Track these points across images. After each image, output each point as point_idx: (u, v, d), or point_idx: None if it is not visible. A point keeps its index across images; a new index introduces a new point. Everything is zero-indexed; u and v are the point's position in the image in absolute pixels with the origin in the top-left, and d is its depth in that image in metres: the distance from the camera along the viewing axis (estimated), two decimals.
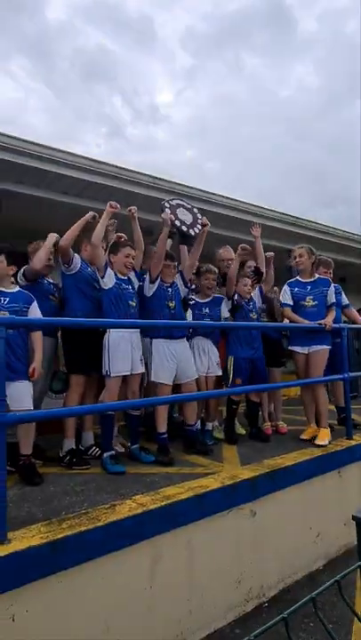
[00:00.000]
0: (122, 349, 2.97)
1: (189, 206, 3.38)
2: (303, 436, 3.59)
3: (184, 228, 3.18)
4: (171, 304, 3.24)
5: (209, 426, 3.68)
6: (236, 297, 3.67)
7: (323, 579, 2.85)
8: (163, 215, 3.14)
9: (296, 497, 2.86)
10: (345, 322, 4.10)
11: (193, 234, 3.21)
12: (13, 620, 1.68)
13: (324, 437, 3.41)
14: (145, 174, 5.06)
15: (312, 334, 3.54)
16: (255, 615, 2.47)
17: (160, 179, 5.19)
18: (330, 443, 3.40)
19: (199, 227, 3.28)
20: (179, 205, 3.28)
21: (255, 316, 3.79)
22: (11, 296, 2.76)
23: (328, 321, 3.47)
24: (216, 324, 3.66)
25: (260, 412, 3.95)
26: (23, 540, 1.80)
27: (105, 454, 2.91)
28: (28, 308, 2.82)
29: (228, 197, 5.96)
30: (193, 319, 3.61)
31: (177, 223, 3.15)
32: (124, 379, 3.04)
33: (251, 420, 3.85)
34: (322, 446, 3.32)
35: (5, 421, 1.87)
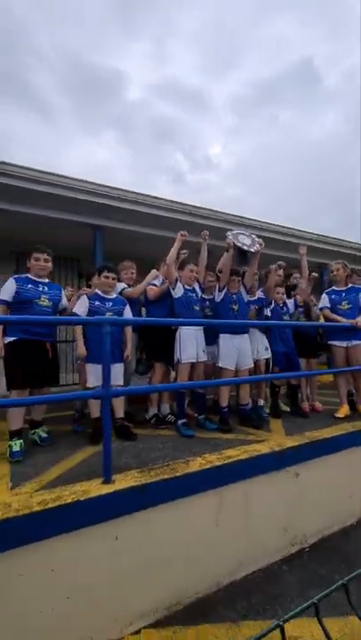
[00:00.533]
0: (189, 342, 2.99)
1: (248, 233, 3.36)
2: (338, 415, 3.37)
3: (245, 248, 3.15)
4: (235, 307, 3.20)
5: (260, 402, 3.54)
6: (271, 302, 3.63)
7: (354, 532, 2.64)
8: (227, 240, 3.10)
9: (333, 463, 2.67)
10: None
11: (253, 250, 3.17)
12: (117, 540, 1.74)
13: (342, 412, 3.38)
14: (205, 208, 5.04)
15: (351, 332, 3.38)
16: (299, 557, 2.34)
17: (216, 211, 5.16)
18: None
19: (257, 246, 3.20)
20: (238, 234, 3.26)
21: (287, 318, 3.70)
22: (113, 301, 2.92)
23: (360, 320, 3.27)
24: (258, 323, 3.54)
25: (299, 394, 3.76)
26: (123, 481, 1.86)
27: (179, 421, 2.93)
28: (124, 309, 2.98)
29: (266, 222, 5.77)
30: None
31: (238, 244, 3.12)
32: (192, 365, 3.05)
33: (291, 400, 3.69)
34: (340, 418, 3.29)
35: (110, 394, 1.95)
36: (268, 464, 2.31)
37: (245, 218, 5.48)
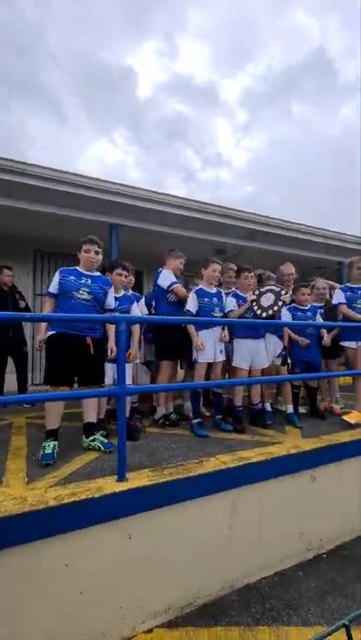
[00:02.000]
0: (207, 342, 2.96)
1: (277, 289, 3.13)
2: (346, 418, 3.16)
3: (258, 312, 3.08)
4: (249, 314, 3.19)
5: (290, 408, 3.36)
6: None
7: None
8: (249, 297, 3.14)
9: (352, 468, 2.59)
10: None
11: (264, 315, 3.06)
12: (130, 538, 1.74)
13: (354, 417, 3.10)
14: (220, 206, 4.99)
15: None
16: (316, 563, 2.28)
17: (230, 208, 5.10)
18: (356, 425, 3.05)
19: (275, 308, 3.05)
20: (266, 291, 3.13)
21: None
22: (120, 300, 2.86)
23: None
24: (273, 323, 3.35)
25: (319, 396, 3.67)
26: (136, 480, 1.85)
27: (193, 421, 2.90)
28: (130, 307, 2.94)
29: (283, 220, 5.66)
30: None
31: (255, 308, 3.10)
32: (209, 365, 3.02)
33: (310, 401, 3.60)
34: (348, 423, 3.04)
35: (126, 392, 1.95)
36: (284, 467, 2.26)
37: (261, 215, 5.39)
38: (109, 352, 2.59)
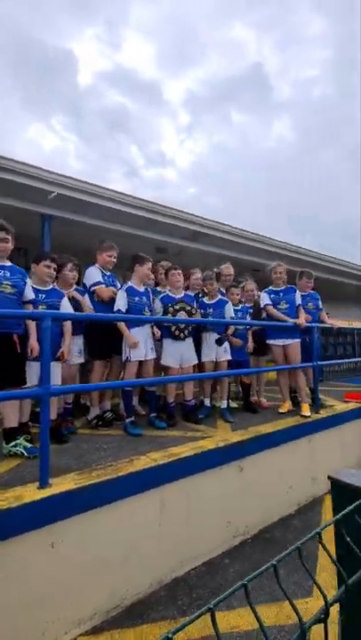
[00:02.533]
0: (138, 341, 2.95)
1: (188, 308, 3.24)
2: (281, 410, 3.51)
3: (177, 333, 3.14)
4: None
5: (224, 403, 3.49)
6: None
7: (293, 522, 2.78)
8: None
9: (274, 457, 2.80)
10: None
11: (182, 335, 3.15)
12: (52, 547, 1.64)
13: (306, 410, 3.35)
14: (163, 205, 5.00)
15: (286, 331, 3.46)
16: (241, 549, 2.41)
17: (172, 208, 5.14)
18: (310, 414, 3.32)
19: (190, 328, 3.20)
20: (180, 309, 3.20)
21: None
22: (46, 293, 2.68)
23: (302, 321, 3.40)
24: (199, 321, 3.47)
25: (252, 391, 3.90)
26: (61, 485, 1.76)
27: (126, 420, 2.86)
28: (60, 302, 2.73)
29: (224, 224, 5.89)
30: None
31: (174, 330, 3.14)
32: (140, 363, 3.01)
33: (244, 396, 3.82)
34: (306, 416, 3.26)
35: (51, 392, 1.84)
36: (213, 460, 2.35)
37: (202, 218, 5.53)
38: (29, 351, 2.40)
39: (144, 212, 4.80)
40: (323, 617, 0.48)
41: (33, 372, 2.46)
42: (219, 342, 3.38)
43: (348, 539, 0.51)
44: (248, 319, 3.79)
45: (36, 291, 2.60)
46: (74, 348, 2.95)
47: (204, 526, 2.25)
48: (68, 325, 2.76)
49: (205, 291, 3.60)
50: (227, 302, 3.55)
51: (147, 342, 3.00)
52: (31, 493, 1.66)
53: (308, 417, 3.26)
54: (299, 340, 3.49)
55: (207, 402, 3.56)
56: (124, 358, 2.94)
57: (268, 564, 0.53)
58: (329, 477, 0.64)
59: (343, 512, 0.52)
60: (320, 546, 0.76)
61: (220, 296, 3.57)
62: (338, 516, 0.52)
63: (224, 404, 3.41)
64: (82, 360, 3.12)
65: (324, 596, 0.51)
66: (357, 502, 0.51)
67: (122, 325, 2.89)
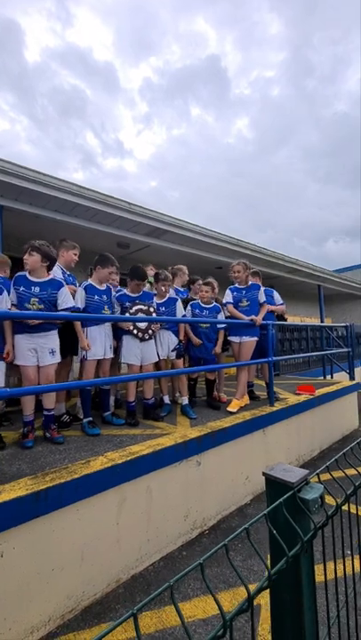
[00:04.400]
0: (96, 340, 2.91)
1: (145, 307, 3.22)
2: (230, 408, 3.49)
3: (136, 332, 3.14)
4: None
5: (184, 400, 3.52)
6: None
7: (249, 510, 2.91)
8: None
9: (231, 450, 2.90)
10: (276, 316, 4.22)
11: (146, 337, 3.17)
12: (2, 557, 1.58)
13: (235, 406, 3.46)
14: (124, 200, 4.91)
15: (245, 328, 3.58)
16: (198, 540, 2.48)
17: (135, 205, 5.06)
18: (238, 411, 3.43)
19: (151, 330, 3.21)
20: (137, 312, 3.18)
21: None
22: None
23: (258, 318, 3.54)
24: (171, 319, 3.54)
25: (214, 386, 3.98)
26: (11, 492, 1.70)
27: (84, 420, 2.81)
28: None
29: (188, 222, 5.92)
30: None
31: (132, 329, 3.12)
32: (98, 362, 2.97)
33: (207, 391, 3.86)
34: (232, 412, 3.35)
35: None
36: (171, 456, 2.38)
37: (160, 213, 5.51)
38: None
39: (97, 203, 4.67)
40: (246, 607, 0.51)
41: None
42: (177, 355, 3.48)
43: (275, 531, 0.55)
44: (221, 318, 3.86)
45: None
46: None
47: (162, 522, 2.29)
48: (8, 324, 2.53)
49: (156, 291, 3.59)
50: (176, 300, 3.58)
51: (105, 341, 2.96)
52: None
53: (234, 413, 3.34)
54: (255, 339, 3.62)
55: (166, 399, 3.59)
56: (80, 357, 2.87)
57: (219, 545, 0.56)
58: (263, 474, 0.69)
59: (272, 506, 0.57)
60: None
61: (168, 295, 3.59)
62: (267, 510, 0.56)
63: (185, 401, 3.46)
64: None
65: (247, 588, 0.55)
66: (285, 496, 0.56)
67: (78, 325, 2.82)
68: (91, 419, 2.83)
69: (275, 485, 0.65)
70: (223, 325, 3.80)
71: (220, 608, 0.53)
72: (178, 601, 1.89)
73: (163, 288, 3.50)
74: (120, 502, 2.06)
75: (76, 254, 3.24)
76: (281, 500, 0.57)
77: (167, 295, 3.57)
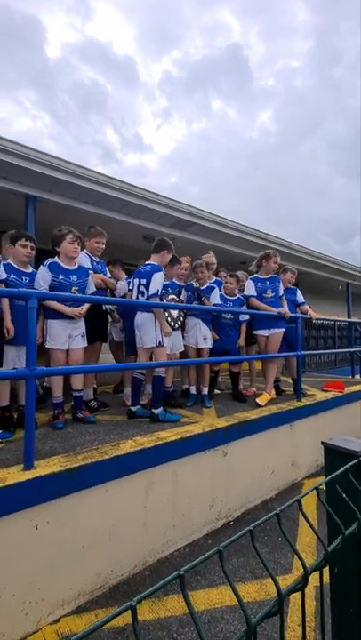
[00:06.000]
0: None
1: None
2: (258, 401, 3.44)
3: (170, 322, 3.16)
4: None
5: (204, 390, 3.50)
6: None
7: (274, 505, 2.86)
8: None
9: (258, 442, 2.85)
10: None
11: (176, 326, 3.21)
12: (36, 529, 1.63)
13: (265, 399, 3.38)
14: (151, 191, 4.91)
15: (273, 320, 3.48)
16: (223, 531, 2.46)
17: (162, 195, 5.05)
18: (265, 405, 3.34)
19: (182, 319, 3.27)
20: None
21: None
22: (30, 276, 2.62)
23: (287, 311, 3.45)
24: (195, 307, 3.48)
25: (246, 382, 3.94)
26: (46, 467, 1.74)
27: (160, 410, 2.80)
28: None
29: (214, 213, 5.85)
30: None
31: (167, 316, 3.13)
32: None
33: (232, 384, 3.81)
34: (260, 405, 3.28)
35: (37, 374, 1.79)
36: (199, 444, 2.37)
37: (185, 204, 5.46)
38: (5, 333, 2.34)
39: (122, 194, 4.69)
40: (301, 585, 0.49)
41: (9, 356, 2.39)
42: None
43: (344, 494, 0.52)
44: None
45: (17, 272, 2.53)
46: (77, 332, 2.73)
47: (188, 509, 2.29)
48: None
49: (196, 279, 3.57)
50: (213, 288, 3.55)
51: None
52: (15, 475, 1.63)
53: (263, 406, 3.26)
54: (283, 330, 3.53)
55: (193, 389, 3.57)
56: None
57: (245, 530, 0.54)
58: (323, 443, 0.65)
59: (337, 472, 0.54)
60: (299, 528, 0.78)
61: (208, 283, 3.56)
62: (332, 475, 0.53)
63: (204, 391, 3.45)
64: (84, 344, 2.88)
65: (303, 563, 0.52)
66: (351, 463, 0.53)
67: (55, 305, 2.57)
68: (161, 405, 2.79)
69: (336, 455, 0.61)
70: (246, 318, 3.75)
71: (237, 597, 0.51)
72: (205, 587, 1.89)
73: (200, 275, 3.48)
74: (148, 486, 2.07)
75: (99, 242, 3.21)
76: (348, 465, 0.54)
77: (207, 283, 3.54)
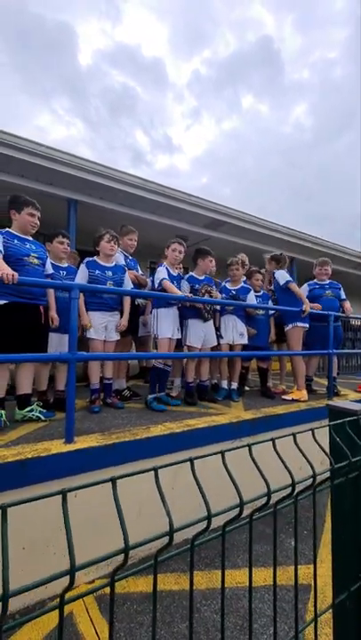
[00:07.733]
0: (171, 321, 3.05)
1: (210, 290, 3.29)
2: (285, 396, 3.51)
3: (205, 314, 3.23)
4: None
5: (233, 385, 3.59)
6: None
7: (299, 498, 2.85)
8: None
9: (285, 438, 2.86)
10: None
11: (208, 317, 3.26)
12: (75, 497, 1.80)
13: (292, 395, 3.45)
14: (184, 192, 5.05)
15: (291, 315, 3.53)
16: (245, 519, 2.52)
17: (194, 195, 5.18)
18: (294, 400, 3.37)
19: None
20: (205, 293, 3.23)
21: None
22: (67, 270, 2.91)
23: (307, 306, 3.42)
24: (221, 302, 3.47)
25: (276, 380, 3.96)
26: (84, 442, 1.92)
27: (150, 396, 2.96)
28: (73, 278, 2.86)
29: (246, 213, 5.88)
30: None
31: (204, 313, 3.22)
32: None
33: (261, 381, 3.87)
34: (287, 400, 3.35)
35: (77, 358, 1.98)
36: (225, 433, 2.45)
37: (217, 204, 5.54)
38: (51, 321, 2.58)
39: (166, 198, 4.87)
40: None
41: (53, 343, 2.63)
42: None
43: (341, 443, 0.60)
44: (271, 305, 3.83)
45: (55, 267, 2.77)
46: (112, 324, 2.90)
47: (214, 495, 2.36)
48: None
49: (230, 275, 3.64)
50: (250, 290, 3.61)
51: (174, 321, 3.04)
52: (58, 446, 1.83)
53: (290, 401, 3.30)
54: (303, 325, 3.52)
55: (224, 384, 3.64)
56: (154, 335, 3.03)
57: (268, 510, 0.62)
58: (327, 405, 0.73)
59: (335, 422, 0.62)
60: (325, 525, 0.85)
61: (242, 283, 3.63)
62: (331, 424, 0.61)
63: (234, 386, 3.51)
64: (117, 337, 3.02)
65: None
66: (350, 418, 0.61)
67: (81, 303, 2.73)
68: (156, 395, 2.98)
69: (338, 414, 0.69)
70: (272, 313, 3.80)
71: (250, 580, 0.58)
72: (228, 569, 1.97)
73: (235, 273, 3.56)
74: (176, 468, 2.18)
75: (131, 239, 3.41)
76: (346, 419, 0.62)
77: (241, 283, 3.63)
